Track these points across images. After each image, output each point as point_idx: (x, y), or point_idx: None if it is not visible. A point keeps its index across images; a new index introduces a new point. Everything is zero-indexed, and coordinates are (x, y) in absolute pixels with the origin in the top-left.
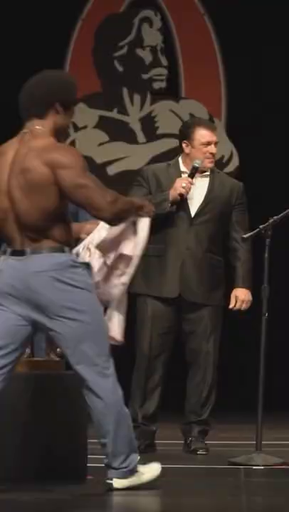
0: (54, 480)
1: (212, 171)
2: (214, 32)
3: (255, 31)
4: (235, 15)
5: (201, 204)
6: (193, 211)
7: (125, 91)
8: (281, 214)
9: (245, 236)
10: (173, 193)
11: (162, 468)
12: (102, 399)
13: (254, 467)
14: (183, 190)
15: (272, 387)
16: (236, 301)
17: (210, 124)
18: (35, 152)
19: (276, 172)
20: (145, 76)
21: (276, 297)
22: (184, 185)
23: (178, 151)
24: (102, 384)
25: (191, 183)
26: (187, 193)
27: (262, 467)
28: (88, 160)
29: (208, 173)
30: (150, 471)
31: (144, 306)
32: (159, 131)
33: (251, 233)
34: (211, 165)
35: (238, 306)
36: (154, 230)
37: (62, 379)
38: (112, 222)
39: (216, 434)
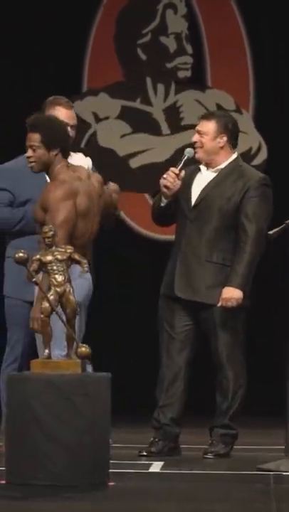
0: (74, 486)
1: (233, 163)
2: (242, 18)
3: (284, 18)
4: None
5: (197, 199)
6: (192, 205)
7: (149, 80)
8: None
9: (270, 232)
10: (161, 187)
11: (189, 473)
12: None
13: (284, 473)
14: (164, 182)
15: None
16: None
17: (205, 113)
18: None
19: None
20: (169, 65)
21: None
22: (164, 176)
23: None
24: None
25: (175, 172)
26: (172, 184)
27: None
28: (110, 152)
29: (221, 166)
30: None
31: (160, 305)
32: (184, 122)
33: (277, 229)
34: (197, 154)
35: (219, 304)
36: (168, 222)
37: (82, 380)
38: None
39: (243, 439)
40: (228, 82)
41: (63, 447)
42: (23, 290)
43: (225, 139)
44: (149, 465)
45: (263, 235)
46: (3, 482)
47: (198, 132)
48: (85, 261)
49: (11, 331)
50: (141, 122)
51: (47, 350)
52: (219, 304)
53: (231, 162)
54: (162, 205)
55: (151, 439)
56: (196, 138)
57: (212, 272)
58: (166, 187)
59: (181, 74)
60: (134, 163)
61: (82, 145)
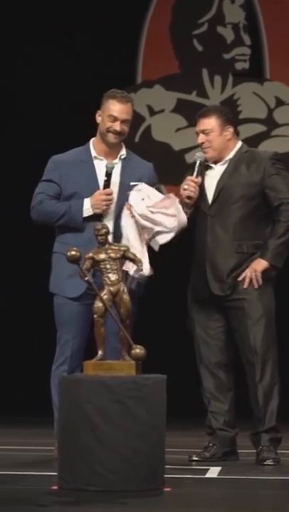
0: (128, 492)
1: (239, 151)
2: None
3: None
4: None
5: (214, 192)
6: (210, 201)
7: (205, 72)
8: None
9: None
10: (181, 199)
11: (247, 479)
12: None
13: None
14: (186, 193)
15: None
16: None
17: (201, 112)
18: None
19: None
20: (227, 56)
21: None
22: (185, 187)
23: (262, 136)
24: None
25: (194, 181)
26: (195, 193)
27: None
28: (165, 147)
29: (228, 157)
30: None
31: (189, 310)
32: (242, 116)
33: None
34: (207, 154)
35: (242, 275)
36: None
37: (136, 383)
38: None
39: None
40: (287, 73)
41: (117, 453)
42: (65, 286)
43: (231, 130)
44: (206, 470)
45: None
46: (56, 488)
47: (203, 132)
48: (139, 259)
49: (59, 331)
50: None
51: (100, 352)
52: (242, 276)
53: (238, 151)
54: (187, 216)
55: (206, 443)
56: (202, 139)
57: (243, 263)
58: (188, 197)
59: (239, 65)
60: (190, 157)
61: (136, 139)
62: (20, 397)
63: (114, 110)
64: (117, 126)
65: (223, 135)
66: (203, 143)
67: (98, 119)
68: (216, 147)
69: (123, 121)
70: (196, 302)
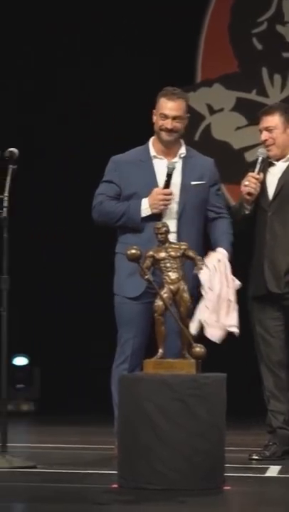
0: (188, 490)
1: None
2: None
3: None
4: None
5: (275, 189)
6: (270, 197)
7: (265, 71)
8: None
9: None
10: (242, 195)
11: None
12: None
13: None
14: (246, 189)
15: None
16: None
17: (264, 110)
18: None
19: None
20: (286, 54)
21: None
22: (246, 183)
23: None
24: None
25: (255, 178)
26: (255, 190)
27: None
28: (225, 145)
29: None
30: None
31: (250, 309)
32: None
33: None
34: (271, 152)
35: None
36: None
37: (197, 381)
38: None
39: None
40: None
41: (177, 451)
42: (124, 286)
43: None
44: (266, 469)
45: None
46: (116, 486)
47: (266, 129)
48: (199, 257)
49: (120, 330)
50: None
51: (161, 350)
52: None
53: None
54: (247, 212)
55: (266, 442)
56: (265, 136)
57: None
58: (249, 194)
59: None
60: (250, 156)
61: (196, 138)
62: (81, 397)
63: (165, 108)
64: (168, 123)
65: (286, 132)
66: (266, 140)
67: (154, 118)
68: (280, 144)
69: (174, 118)
70: (255, 300)
